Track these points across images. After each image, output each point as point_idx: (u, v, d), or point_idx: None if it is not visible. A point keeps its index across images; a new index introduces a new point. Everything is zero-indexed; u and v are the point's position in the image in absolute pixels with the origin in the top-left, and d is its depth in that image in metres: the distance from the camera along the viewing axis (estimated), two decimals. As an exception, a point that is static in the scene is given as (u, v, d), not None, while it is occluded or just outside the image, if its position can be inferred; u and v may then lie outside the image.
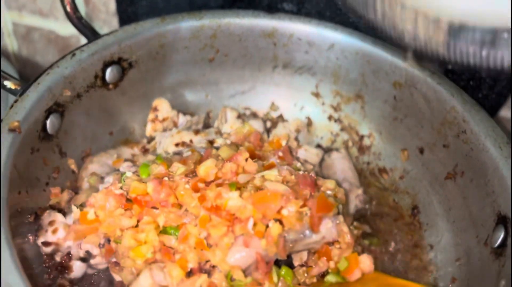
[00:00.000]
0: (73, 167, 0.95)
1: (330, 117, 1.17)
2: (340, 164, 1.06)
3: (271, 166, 0.86)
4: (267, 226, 0.78)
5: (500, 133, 0.89)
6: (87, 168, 0.94)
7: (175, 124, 1.09)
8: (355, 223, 0.96)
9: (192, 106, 1.15)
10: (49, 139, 0.88)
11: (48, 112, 0.86)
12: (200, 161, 0.89)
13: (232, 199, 0.77)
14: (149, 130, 1.07)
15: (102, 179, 0.93)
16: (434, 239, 0.98)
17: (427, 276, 0.93)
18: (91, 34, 0.98)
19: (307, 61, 1.13)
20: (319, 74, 1.14)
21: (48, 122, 0.86)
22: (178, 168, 0.83)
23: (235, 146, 0.96)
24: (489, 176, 0.87)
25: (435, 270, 0.94)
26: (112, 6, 1.33)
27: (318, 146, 1.16)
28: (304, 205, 0.79)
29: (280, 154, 0.91)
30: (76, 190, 0.93)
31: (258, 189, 0.80)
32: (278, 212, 0.78)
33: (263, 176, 0.83)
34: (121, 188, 0.81)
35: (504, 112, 1.18)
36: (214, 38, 1.09)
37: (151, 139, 1.07)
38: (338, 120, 1.16)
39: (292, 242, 0.79)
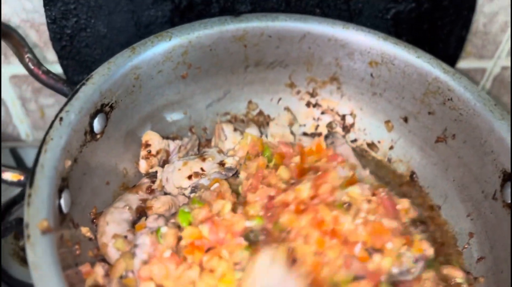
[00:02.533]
0: (89, 234, 0.87)
1: (308, 104, 1.18)
2: (341, 149, 1.09)
3: (353, 182, 0.89)
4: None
5: (486, 97, 0.97)
6: (105, 232, 0.87)
7: (168, 153, 1.03)
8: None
9: (173, 127, 1.09)
10: (65, 219, 0.80)
11: (60, 192, 0.77)
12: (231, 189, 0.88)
13: (347, 223, 0.80)
14: (144, 167, 1.01)
15: (125, 238, 0.87)
16: (439, 199, 1.07)
17: (449, 233, 1.02)
18: (65, 85, 0.87)
19: (279, 55, 1.11)
20: (292, 65, 1.13)
21: (62, 202, 0.78)
22: (223, 205, 0.81)
23: (282, 162, 0.95)
24: (484, 137, 0.96)
25: (451, 227, 1.03)
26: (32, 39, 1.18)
27: (304, 134, 1.18)
28: (405, 243, 0.83)
29: (339, 159, 0.94)
30: (100, 257, 0.87)
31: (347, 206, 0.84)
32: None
33: (347, 193, 0.86)
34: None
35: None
36: (186, 54, 1.02)
37: (148, 175, 1.01)
38: (317, 105, 1.18)
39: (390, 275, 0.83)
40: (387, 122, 1.14)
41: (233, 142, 1.02)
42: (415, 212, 0.92)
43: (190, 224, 0.81)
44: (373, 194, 0.88)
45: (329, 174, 0.87)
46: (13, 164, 1.27)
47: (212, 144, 1.06)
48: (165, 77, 1.02)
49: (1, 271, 1.07)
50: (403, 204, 0.90)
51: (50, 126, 0.79)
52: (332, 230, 0.80)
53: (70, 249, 0.81)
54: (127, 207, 0.92)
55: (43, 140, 0.78)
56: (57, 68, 1.19)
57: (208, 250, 0.79)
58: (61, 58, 1.11)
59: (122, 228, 0.89)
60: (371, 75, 1.10)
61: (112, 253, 0.85)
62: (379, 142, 1.16)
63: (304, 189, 0.85)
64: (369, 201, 0.84)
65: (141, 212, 0.93)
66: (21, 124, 1.39)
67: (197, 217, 0.81)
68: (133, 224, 0.91)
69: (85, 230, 0.87)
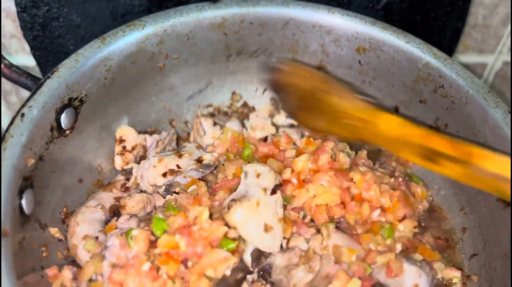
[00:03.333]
0: (58, 235, 0.83)
1: (294, 94, 1.13)
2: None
3: None
4: None
5: (480, 83, 0.91)
6: (75, 233, 0.83)
7: (145, 149, 0.98)
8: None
9: (151, 121, 1.05)
10: (28, 220, 0.76)
11: (21, 193, 0.73)
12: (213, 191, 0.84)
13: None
14: (119, 163, 0.96)
15: (97, 239, 0.83)
16: (433, 192, 1.02)
17: (447, 225, 0.97)
18: (29, 79, 0.82)
19: (262, 43, 1.06)
20: (276, 53, 1.08)
21: (23, 203, 0.73)
22: (200, 213, 0.76)
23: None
24: (477, 126, 0.90)
25: (448, 220, 0.98)
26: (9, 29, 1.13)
27: (292, 126, 1.13)
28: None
29: None
30: (70, 259, 0.83)
31: None
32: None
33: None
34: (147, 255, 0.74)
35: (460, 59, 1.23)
36: (161, 44, 0.97)
37: (124, 172, 0.96)
38: (304, 95, 1.13)
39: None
40: (377, 112, 1.08)
41: (212, 137, 0.96)
42: (427, 203, 0.88)
43: (165, 231, 0.76)
44: (390, 176, 0.84)
45: (327, 145, 0.85)
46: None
47: (191, 139, 1.01)
48: (140, 69, 0.97)
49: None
50: (420, 188, 0.86)
51: (11, 123, 0.75)
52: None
53: (35, 251, 0.77)
54: (100, 206, 0.88)
55: (2, 138, 0.73)
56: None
57: (184, 260, 0.74)
58: (34, 49, 1.06)
59: (93, 228, 0.84)
60: (359, 62, 1.04)
61: (83, 254, 0.81)
62: (369, 133, 1.10)
63: (299, 161, 0.84)
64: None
65: (115, 211, 0.89)
66: (3, 118, 1.34)
67: (173, 225, 0.75)
68: (106, 224, 0.87)
69: (54, 231, 0.83)
